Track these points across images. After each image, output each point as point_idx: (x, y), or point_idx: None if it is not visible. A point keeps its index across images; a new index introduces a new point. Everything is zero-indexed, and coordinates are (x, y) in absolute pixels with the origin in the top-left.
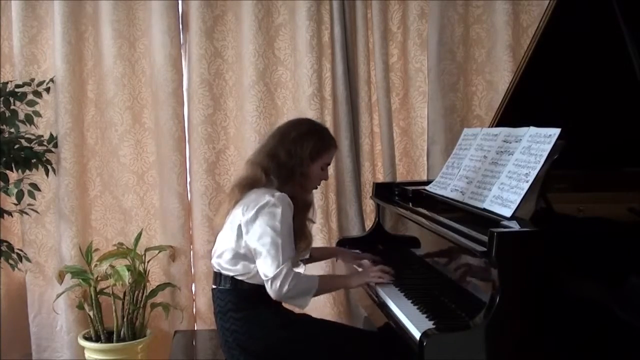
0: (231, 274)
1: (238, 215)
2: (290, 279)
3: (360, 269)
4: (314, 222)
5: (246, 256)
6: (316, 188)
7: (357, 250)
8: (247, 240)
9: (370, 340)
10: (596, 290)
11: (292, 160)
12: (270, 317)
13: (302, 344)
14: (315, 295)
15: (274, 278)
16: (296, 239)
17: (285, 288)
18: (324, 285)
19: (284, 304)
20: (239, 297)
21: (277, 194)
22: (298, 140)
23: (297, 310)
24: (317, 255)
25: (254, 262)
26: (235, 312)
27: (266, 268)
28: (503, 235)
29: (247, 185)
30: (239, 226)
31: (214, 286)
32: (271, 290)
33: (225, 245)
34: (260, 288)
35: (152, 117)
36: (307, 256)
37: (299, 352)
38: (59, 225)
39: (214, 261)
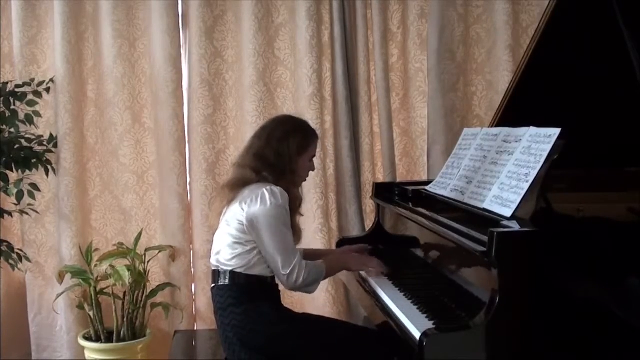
0: (230, 268)
1: (236, 211)
2: (304, 270)
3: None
4: (302, 215)
5: (246, 247)
6: (305, 180)
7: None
8: (253, 234)
9: (370, 336)
10: (596, 290)
11: (281, 159)
12: (271, 312)
13: (303, 338)
14: (323, 279)
15: (290, 273)
16: None
17: (301, 280)
18: (329, 269)
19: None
20: (238, 291)
21: (275, 188)
22: (284, 138)
23: (300, 299)
24: (310, 257)
25: (253, 253)
26: (236, 306)
27: (281, 263)
28: (503, 235)
29: (238, 185)
30: (240, 221)
31: (212, 285)
32: (287, 283)
33: (224, 241)
34: (259, 281)
35: (152, 117)
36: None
37: (300, 347)
38: (59, 225)
39: (213, 259)
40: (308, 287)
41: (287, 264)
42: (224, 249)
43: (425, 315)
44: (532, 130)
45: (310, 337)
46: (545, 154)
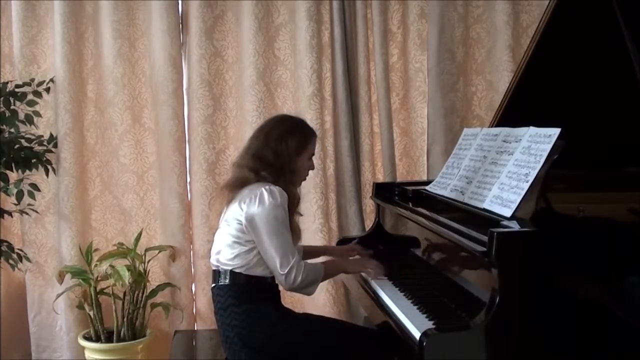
0: (230, 267)
1: (236, 211)
2: (302, 270)
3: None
4: (301, 215)
5: (245, 247)
6: (305, 179)
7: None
8: (251, 233)
9: (370, 336)
10: (596, 290)
11: (280, 158)
12: (272, 312)
13: (303, 337)
14: (321, 281)
15: (288, 272)
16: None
17: (299, 280)
18: (328, 271)
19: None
20: (239, 291)
21: (273, 187)
22: (282, 138)
23: (300, 299)
24: (309, 254)
25: (253, 253)
26: (236, 306)
27: (279, 263)
28: (503, 235)
29: (237, 185)
30: (239, 220)
31: (213, 284)
32: (285, 283)
33: (224, 241)
34: (260, 281)
35: (152, 117)
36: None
37: (300, 346)
38: (58, 225)
39: (213, 259)
40: (306, 288)
41: (285, 264)
42: (224, 249)
43: (425, 315)
44: (532, 130)
45: (311, 337)
46: (545, 154)
